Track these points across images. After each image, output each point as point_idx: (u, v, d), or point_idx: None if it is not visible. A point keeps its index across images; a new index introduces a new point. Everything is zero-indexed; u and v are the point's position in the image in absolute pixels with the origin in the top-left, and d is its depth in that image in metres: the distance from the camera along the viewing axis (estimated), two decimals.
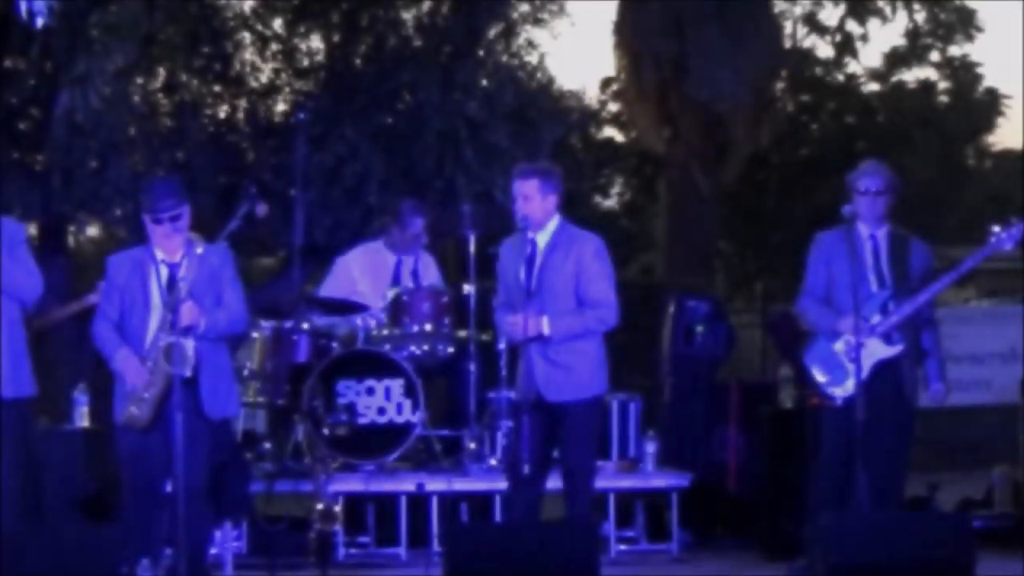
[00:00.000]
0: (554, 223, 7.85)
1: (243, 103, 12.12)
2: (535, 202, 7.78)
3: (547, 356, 7.74)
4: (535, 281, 7.77)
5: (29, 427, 7.80)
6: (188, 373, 7.25)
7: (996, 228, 8.10)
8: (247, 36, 12.16)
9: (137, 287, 7.50)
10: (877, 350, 8.13)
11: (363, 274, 9.75)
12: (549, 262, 7.78)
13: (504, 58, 12.29)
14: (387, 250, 9.83)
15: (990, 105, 22.93)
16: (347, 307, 9.51)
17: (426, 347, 9.26)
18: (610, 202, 25.55)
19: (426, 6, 12.30)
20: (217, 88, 11.98)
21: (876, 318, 8.16)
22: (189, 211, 7.53)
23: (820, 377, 8.26)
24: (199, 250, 7.40)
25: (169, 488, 7.60)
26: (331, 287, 9.76)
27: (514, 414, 7.99)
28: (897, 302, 8.18)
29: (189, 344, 7.26)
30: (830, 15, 20.82)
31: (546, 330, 7.72)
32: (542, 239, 7.82)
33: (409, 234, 9.74)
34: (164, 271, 7.50)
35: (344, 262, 9.88)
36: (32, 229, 12.06)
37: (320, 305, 9.50)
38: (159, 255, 7.52)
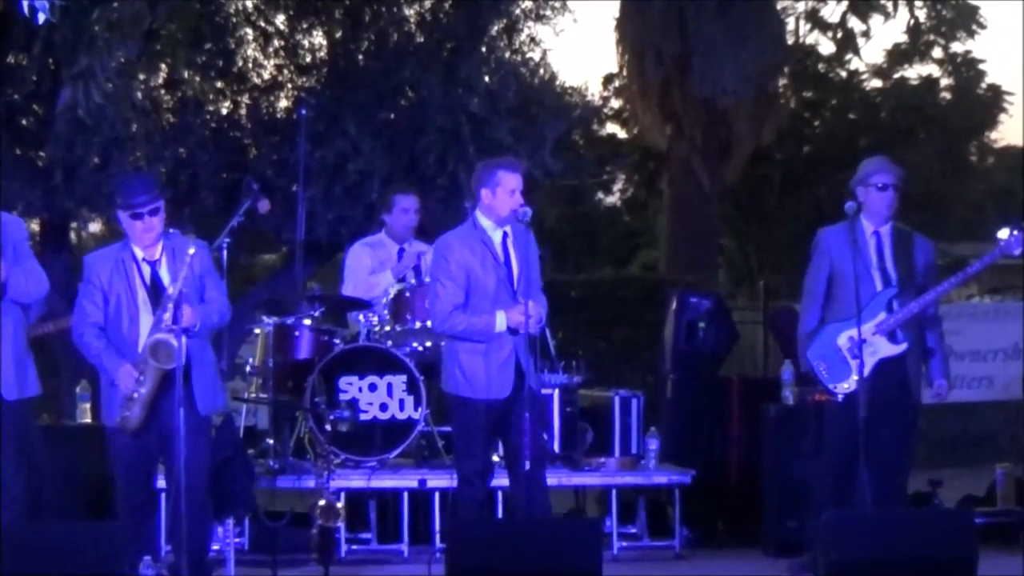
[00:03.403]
0: None
1: (245, 99, 12.12)
2: (519, 196, 7.82)
3: (522, 347, 7.77)
4: (518, 273, 7.81)
5: (31, 427, 7.79)
6: (174, 365, 7.21)
7: (1004, 232, 8.08)
8: (249, 32, 12.15)
9: (123, 289, 7.44)
10: (882, 348, 8.14)
11: (372, 267, 9.74)
12: (520, 252, 7.81)
13: (507, 54, 12.27)
14: (389, 240, 9.83)
15: (992, 102, 22.96)
16: (351, 304, 9.51)
17: (428, 343, 9.25)
18: (612, 198, 25.63)
19: (428, 2, 12.29)
20: (219, 84, 11.97)
21: (882, 315, 8.16)
22: (164, 206, 7.50)
23: (822, 373, 8.27)
24: (191, 250, 7.34)
25: (164, 485, 7.61)
26: (351, 286, 9.71)
27: (500, 412, 7.92)
28: (903, 299, 8.19)
29: (174, 340, 7.24)
30: (832, 11, 20.85)
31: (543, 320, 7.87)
32: (509, 231, 7.86)
33: (398, 209, 9.72)
34: (147, 269, 7.47)
35: (356, 257, 9.82)
36: (34, 225, 12.08)
37: (322, 302, 9.47)
38: (139, 254, 7.49)
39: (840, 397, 8.19)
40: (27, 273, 7.48)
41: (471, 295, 7.78)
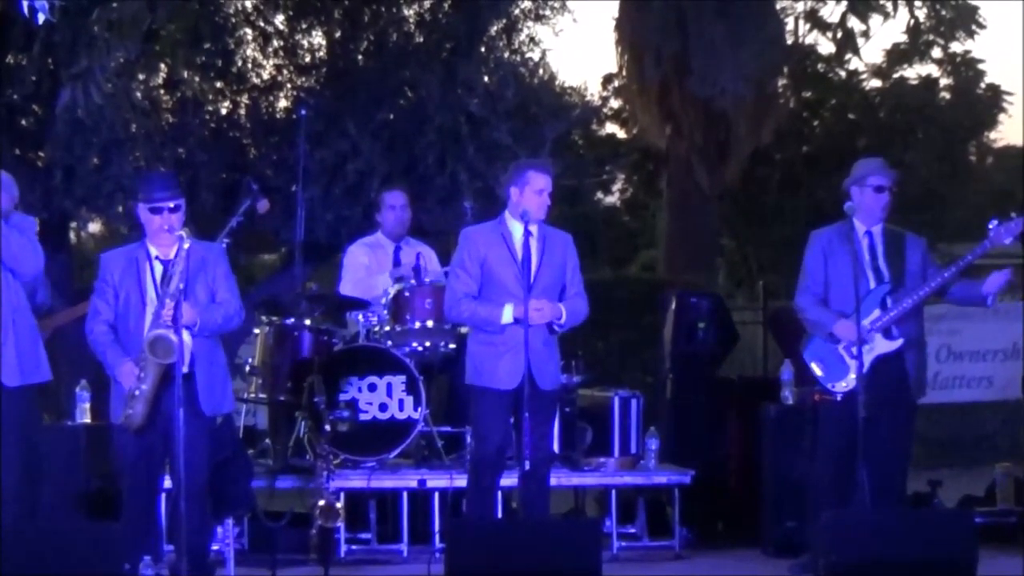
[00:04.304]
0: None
1: (245, 99, 12.12)
2: (547, 196, 7.96)
3: (535, 344, 7.82)
4: (536, 271, 7.90)
5: (33, 417, 7.77)
6: (173, 360, 7.19)
7: (994, 222, 8.12)
8: (249, 32, 12.15)
9: (132, 285, 7.45)
10: (878, 345, 8.17)
11: (370, 266, 9.75)
12: (547, 253, 7.97)
13: (506, 54, 12.28)
14: (385, 239, 9.84)
15: (991, 101, 22.89)
16: (350, 304, 9.51)
17: (428, 343, 9.26)
18: (612, 199, 25.57)
19: (428, 2, 12.30)
20: (219, 84, 11.98)
21: (876, 313, 8.18)
22: (184, 207, 7.52)
23: (819, 373, 8.28)
24: (186, 244, 7.35)
25: (170, 485, 7.62)
26: (348, 284, 9.72)
27: (514, 405, 7.93)
28: (896, 297, 8.21)
29: (173, 335, 7.23)
30: (832, 11, 20.78)
31: (563, 317, 7.90)
32: (534, 231, 7.97)
33: (386, 206, 9.75)
34: (159, 268, 7.46)
35: (353, 257, 9.83)
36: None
37: (321, 302, 9.47)
38: (154, 252, 7.49)
39: (838, 396, 8.20)
40: (22, 240, 7.45)
41: (486, 287, 7.96)
